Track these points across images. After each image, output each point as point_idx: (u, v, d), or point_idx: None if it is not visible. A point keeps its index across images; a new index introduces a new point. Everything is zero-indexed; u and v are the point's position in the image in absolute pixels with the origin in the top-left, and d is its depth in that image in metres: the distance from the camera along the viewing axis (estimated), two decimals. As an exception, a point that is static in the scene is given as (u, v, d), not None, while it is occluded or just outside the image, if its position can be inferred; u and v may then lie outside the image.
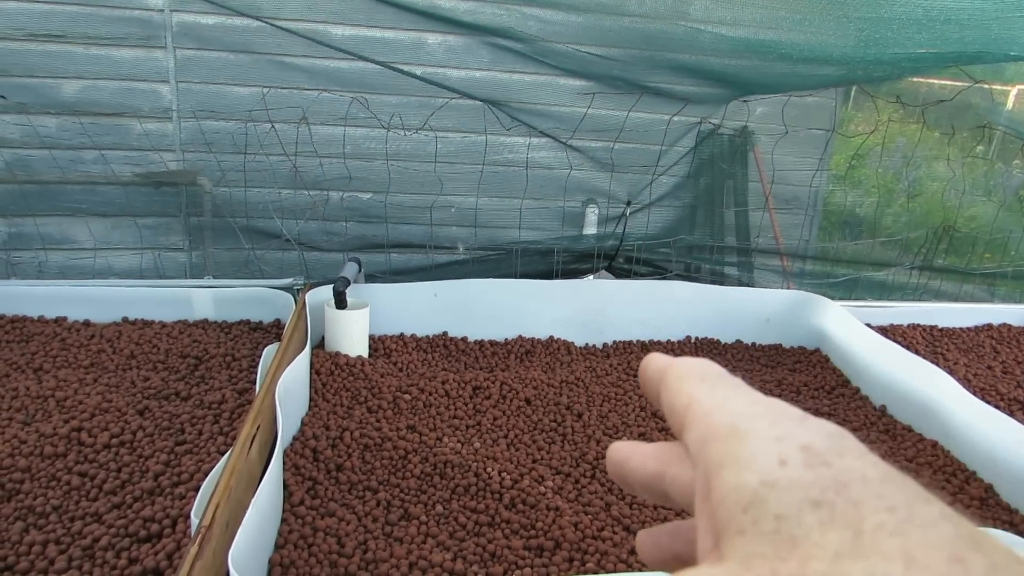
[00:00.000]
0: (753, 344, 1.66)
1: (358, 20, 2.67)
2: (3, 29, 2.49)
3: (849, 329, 1.53)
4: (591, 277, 1.80)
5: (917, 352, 1.49)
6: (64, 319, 1.47)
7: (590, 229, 2.75)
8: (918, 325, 1.73)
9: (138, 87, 2.69)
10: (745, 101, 2.15)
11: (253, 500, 0.80)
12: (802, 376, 1.52)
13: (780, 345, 1.66)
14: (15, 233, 2.69)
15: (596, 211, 2.70)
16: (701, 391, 0.27)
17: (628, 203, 2.09)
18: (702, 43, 1.65)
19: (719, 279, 1.88)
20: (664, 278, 1.77)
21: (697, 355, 1.38)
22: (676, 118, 1.81)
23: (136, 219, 2.76)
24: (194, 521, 0.82)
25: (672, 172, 2.17)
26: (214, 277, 1.66)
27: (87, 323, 1.46)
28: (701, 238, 2.06)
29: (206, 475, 0.98)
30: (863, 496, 0.20)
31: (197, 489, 0.95)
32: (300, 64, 2.57)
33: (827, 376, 1.52)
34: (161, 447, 1.05)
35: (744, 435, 0.23)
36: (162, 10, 2.65)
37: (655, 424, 1.28)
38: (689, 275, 1.88)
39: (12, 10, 2.49)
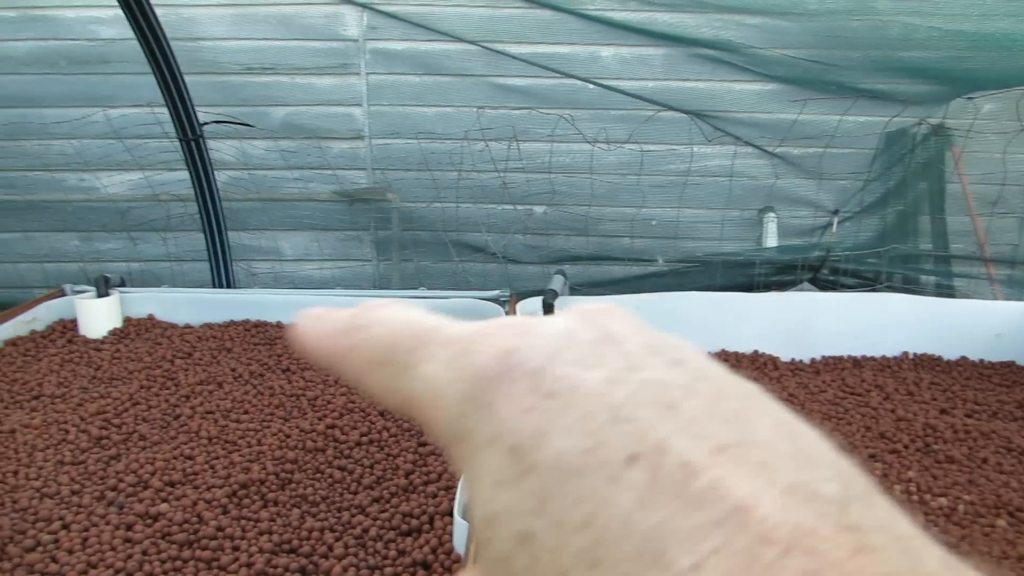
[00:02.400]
0: (981, 361, 1.54)
1: (534, 38, 2.75)
2: (227, 64, 2.79)
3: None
4: (794, 290, 1.74)
5: None
6: (298, 325, 1.62)
7: (770, 241, 2.66)
8: None
9: (334, 111, 2.92)
10: (970, 98, 1.99)
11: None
12: (1046, 398, 1.39)
13: (1014, 363, 1.53)
14: (235, 245, 2.99)
15: (775, 220, 2.61)
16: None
17: (835, 212, 2.00)
18: (918, 39, 1.56)
19: (946, 291, 1.76)
20: (874, 290, 1.68)
21: (917, 373, 1.30)
22: (882, 119, 1.72)
23: (331, 232, 2.99)
24: (458, 518, 0.88)
25: (881, 178, 2.06)
26: (426, 287, 1.77)
27: (318, 329, 1.60)
28: (914, 247, 1.94)
29: (453, 476, 1.05)
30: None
31: (448, 489, 1.02)
32: (491, 81, 2.66)
33: (1076, 399, 1.38)
34: (406, 447, 1.13)
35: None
36: (356, 39, 2.85)
37: (885, 445, 1.21)
38: (901, 287, 1.78)
39: (233, 48, 2.79)
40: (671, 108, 1.82)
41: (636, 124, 1.67)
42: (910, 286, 1.78)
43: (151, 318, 1.69)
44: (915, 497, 1.07)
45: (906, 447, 1.21)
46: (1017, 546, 0.96)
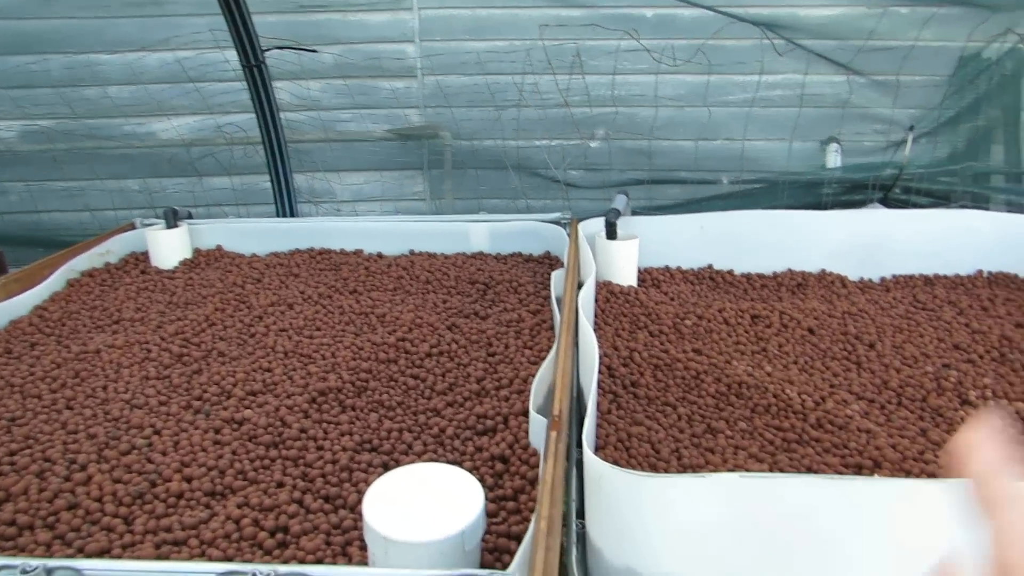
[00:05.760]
0: (1061, 279, 1.48)
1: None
2: (279, 3, 2.79)
3: None
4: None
5: None
6: (361, 251, 1.65)
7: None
8: None
9: (386, 48, 2.90)
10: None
11: (590, 396, 0.86)
12: None
13: (1095, 280, 1.47)
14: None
15: (839, 152, 2.52)
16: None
17: (911, 128, 1.92)
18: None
19: (1018, 210, 1.69)
20: (947, 208, 1.63)
21: (992, 291, 1.27)
22: (958, 44, 1.63)
23: (385, 172, 3.00)
24: (533, 414, 0.90)
25: (956, 95, 1.96)
26: (486, 212, 1.77)
27: (380, 255, 1.63)
28: (988, 165, 1.85)
29: (524, 381, 1.06)
30: None
31: (519, 392, 1.04)
32: (534, 16, 2.61)
33: None
34: (476, 356, 1.15)
35: None
36: (409, -27, 2.81)
37: (960, 355, 1.19)
38: (974, 206, 1.71)
39: (285, -14, 2.78)
40: (739, 19, 1.74)
41: (702, 40, 1.61)
42: (983, 205, 1.71)
43: (219, 249, 1.74)
44: (991, 402, 1.05)
45: (981, 357, 1.19)
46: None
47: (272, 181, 2.27)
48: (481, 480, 0.88)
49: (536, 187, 2.33)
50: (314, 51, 2.31)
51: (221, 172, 2.88)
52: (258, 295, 1.45)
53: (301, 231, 1.71)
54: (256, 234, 1.73)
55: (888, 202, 1.68)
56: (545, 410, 0.92)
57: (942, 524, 0.70)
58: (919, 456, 0.94)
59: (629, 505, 0.73)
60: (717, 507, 0.71)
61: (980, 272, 1.51)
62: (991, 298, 1.40)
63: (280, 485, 0.90)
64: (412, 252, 1.63)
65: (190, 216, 1.76)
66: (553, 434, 0.77)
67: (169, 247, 1.67)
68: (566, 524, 0.88)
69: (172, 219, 1.68)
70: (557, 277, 1.31)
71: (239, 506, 0.85)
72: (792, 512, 0.70)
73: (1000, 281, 1.49)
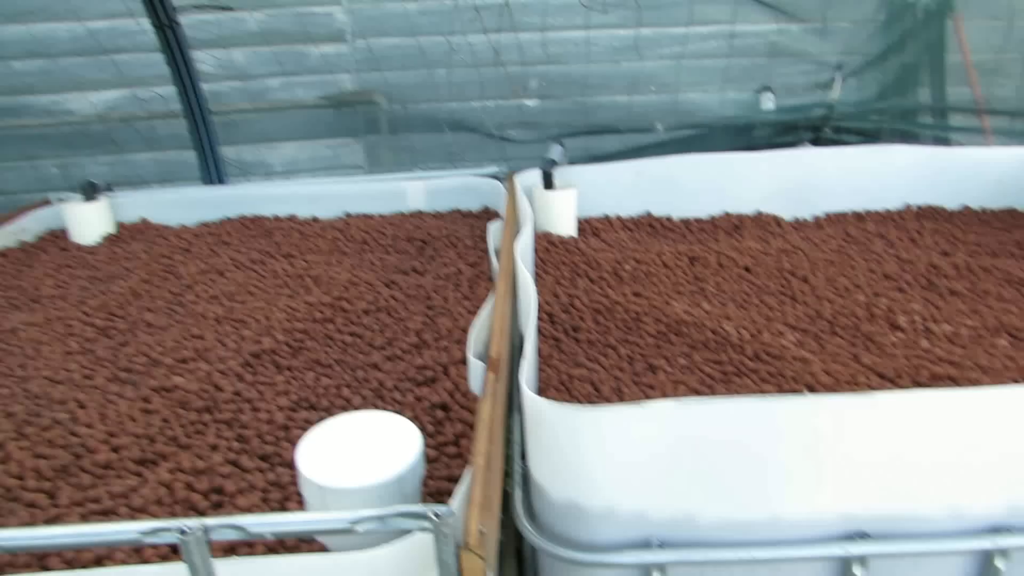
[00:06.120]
0: (983, 209, 1.53)
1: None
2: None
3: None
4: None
5: None
6: (295, 216, 1.60)
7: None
8: None
9: (313, 11, 2.80)
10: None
11: (528, 337, 0.85)
12: (1047, 237, 1.39)
13: (1015, 209, 1.52)
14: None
15: (773, 99, 2.54)
16: None
17: (839, 67, 1.94)
18: None
19: (943, 144, 1.73)
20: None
21: (920, 223, 1.30)
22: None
23: (319, 141, 2.92)
24: (472, 360, 0.88)
25: (882, 31, 1.98)
26: (421, 169, 1.74)
27: (315, 219, 1.59)
28: (915, 102, 1.89)
29: (463, 331, 1.05)
30: None
31: (458, 343, 1.02)
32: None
33: (1078, 235, 1.38)
34: (414, 311, 1.13)
35: None
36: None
37: (890, 284, 1.22)
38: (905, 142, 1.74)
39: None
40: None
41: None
42: (911, 141, 1.75)
43: (144, 222, 1.67)
44: (920, 326, 1.08)
45: (910, 285, 1.22)
46: (1017, 360, 0.97)
47: (198, 154, 2.18)
48: (422, 429, 0.87)
49: (474, 146, 2.30)
50: (229, 9, 2.22)
51: (145, 148, 2.77)
52: (187, 265, 1.40)
53: (231, 199, 1.65)
54: (183, 204, 1.66)
55: (819, 142, 1.71)
56: (485, 357, 0.90)
57: (870, 438, 0.71)
58: (852, 379, 0.96)
59: (568, 439, 0.72)
60: (654, 435, 0.71)
61: (908, 206, 1.54)
62: (919, 230, 1.44)
63: (214, 448, 0.87)
64: (348, 215, 1.59)
65: (110, 189, 1.68)
66: (491, 375, 0.76)
67: (89, 221, 1.59)
68: (510, 467, 0.87)
69: (90, 192, 1.60)
70: (495, 229, 1.29)
71: (171, 471, 0.82)
72: (726, 436, 0.71)
73: (927, 214, 1.53)
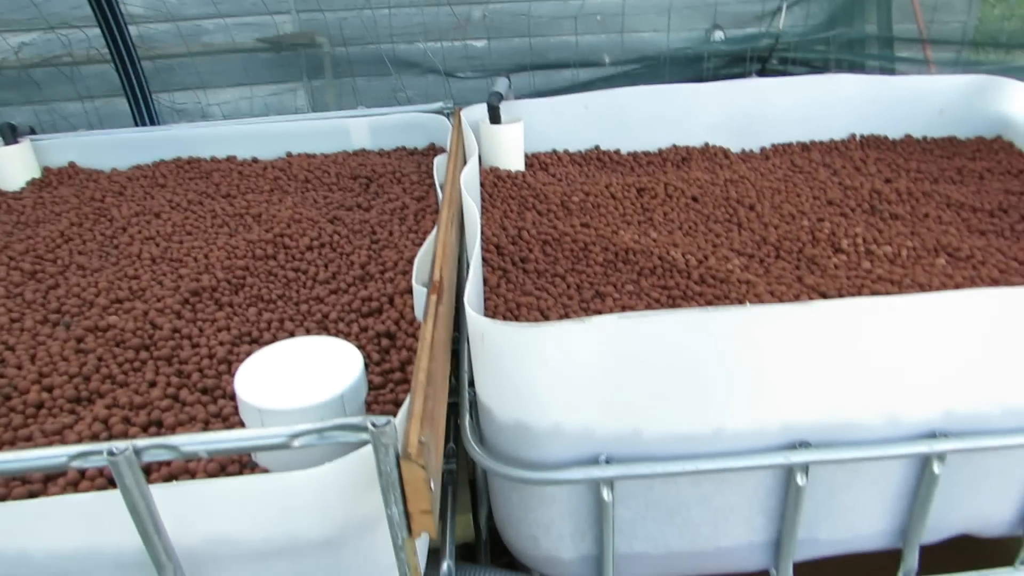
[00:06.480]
0: (924, 138, 1.55)
1: None
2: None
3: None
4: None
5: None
6: (234, 157, 1.54)
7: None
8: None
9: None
10: None
11: (472, 260, 0.83)
12: (984, 163, 1.42)
13: (955, 137, 1.55)
14: (159, 110, 2.81)
15: (723, 37, 2.53)
16: None
17: (785, -6, 1.93)
18: None
19: (888, 73, 1.74)
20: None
21: (864, 152, 1.32)
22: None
23: (261, 87, 2.82)
24: (417, 287, 0.87)
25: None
26: (365, 107, 1.69)
27: (255, 159, 1.53)
28: (861, 31, 1.89)
29: (409, 262, 1.03)
30: None
31: (404, 274, 1.01)
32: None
33: (1013, 160, 1.41)
34: (359, 245, 1.11)
35: None
36: None
37: (834, 210, 1.23)
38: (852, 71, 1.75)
39: None
40: None
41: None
42: (857, 70, 1.76)
43: (72, 165, 1.59)
44: (862, 248, 1.10)
45: (853, 210, 1.24)
46: (954, 278, 1.00)
47: (128, 101, 2.08)
48: (368, 357, 0.86)
49: (421, 88, 2.24)
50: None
51: (73, 95, 2.63)
52: (120, 207, 1.34)
53: (166, 140, 1.58)
54: (114, 147, 1.59)
55: (765, 73, 1.71)
56: (430, 284, 0.89)
57: (809, 347, 0.72)
58: (795, 299, 0.98)
59: (512, 358, 0.72)
60: (597, 351, 0.70)
61: (853, 136, 1.56)
62: (863, 159, 1.45)
63: (152, 384, 0.84)
64: (289, 154, 1.54)
65: (33, 132, 1.59)
66: (433, 297, 0.75)
67: (11, 165, 1.51)
68: (459, 394, 0.87)
69: (9, 135, 1.52)
70: (439, 162, 1.26)
71: (107, 407, 0.80)
72: (667, 348, 0.71)
73: (872, 143, 1.55)
